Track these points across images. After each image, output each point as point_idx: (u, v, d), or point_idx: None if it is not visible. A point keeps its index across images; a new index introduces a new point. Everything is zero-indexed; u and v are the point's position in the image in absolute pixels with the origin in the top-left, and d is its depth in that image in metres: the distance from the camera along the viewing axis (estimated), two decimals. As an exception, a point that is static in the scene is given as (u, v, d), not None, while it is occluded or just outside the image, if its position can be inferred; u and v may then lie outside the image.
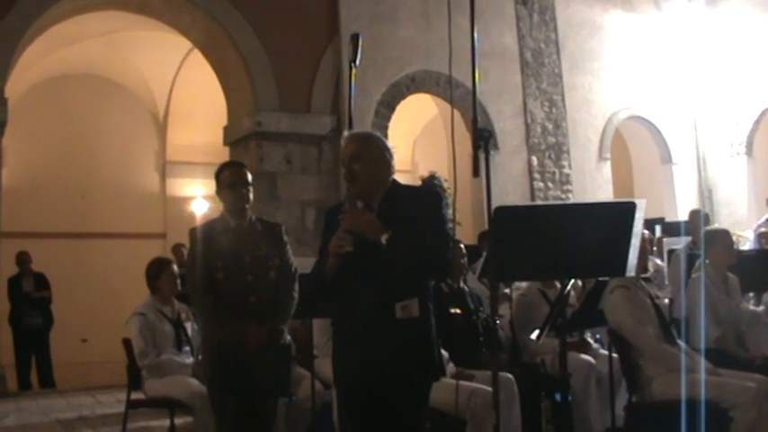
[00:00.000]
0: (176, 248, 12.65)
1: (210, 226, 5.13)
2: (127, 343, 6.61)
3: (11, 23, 11.04)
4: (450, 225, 8.90)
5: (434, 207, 3.85)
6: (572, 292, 6.46)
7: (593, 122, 15.32)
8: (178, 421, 6.62)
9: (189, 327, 6.66)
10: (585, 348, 6.75)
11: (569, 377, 5.52)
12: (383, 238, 3.62)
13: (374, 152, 3.85)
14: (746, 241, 12.54)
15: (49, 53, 14.88)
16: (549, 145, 14.60)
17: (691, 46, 16.43)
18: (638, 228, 3.98)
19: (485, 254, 8.04)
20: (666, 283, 9.80)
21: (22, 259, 12.65)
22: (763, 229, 12.13)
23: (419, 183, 13.49)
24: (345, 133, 4.01)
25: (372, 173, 3.83)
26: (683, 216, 13.91)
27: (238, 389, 4.83)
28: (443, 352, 5.46)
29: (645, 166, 16.81)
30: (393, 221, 3.68)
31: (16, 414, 9.71)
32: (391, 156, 3.91)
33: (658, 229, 12.70)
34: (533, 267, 4.17)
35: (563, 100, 14.93)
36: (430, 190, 4.36)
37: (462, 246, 6.70)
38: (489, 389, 4.98)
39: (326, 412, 6.37)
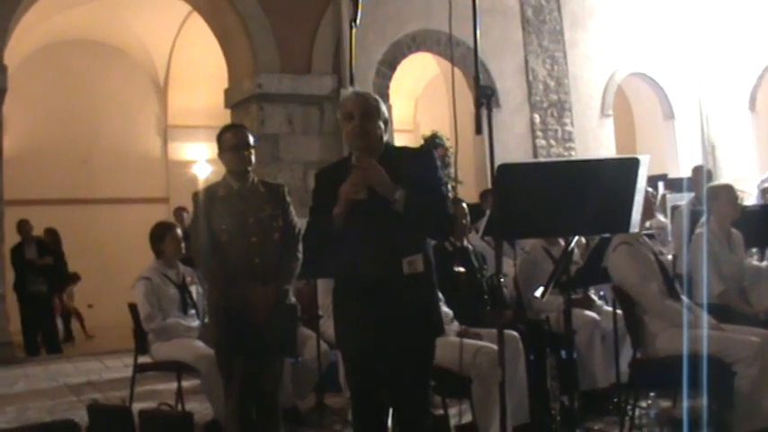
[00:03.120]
0: (177, 212, 12.66)
1: (213, 189, 5.12)
2: (133, 307, 6.63)
3: (8, -12, 10.99)
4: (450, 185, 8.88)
5: (434, 168, 3.89)
6: (576, 250, 6.47)
7: (594, 79, 15.27)
8: (185, 384, 6.66)
9: (194, 290, 6.68)
10: (590, 305, 6.77)
11: (574, 334, 5.53)
12: (397, 195, 3.63)
13: (379, 113, 3.85)
14: (749, 197, 12.53)
15: (48, 19, 14.80)
16: (552, 102, 14.57)
17: (693, 1, 16.30)
18: (642, 184, 3.97)
19: (488, 212, 8.05)
20: (670, 239, 9.81)
21: (24, 228, 12.69)
22: (766, 185, 12.11)
23: (421, 142, 13.56)
24: (349, 90, 4.00)
25: (378, 132, 3.83)
26: (685, 172, 13.91)
27: (245, 350, 4.85)
28: (448, 310, 5.50)
29: (647, 122, 16.77)
30: (394, 181, 3.69)
31: (25, 380, 9.79)
32: (387, 118, 3.92)
33: (661, 185, 12.70)
34: (537, 225, 4.18)
35: (564, 57, 14.88)
36: (426, 150, 4.35)
37: (465, 205, 6.69)
38: (494, 347, 5.00)
39: (332, 372, 6.41)
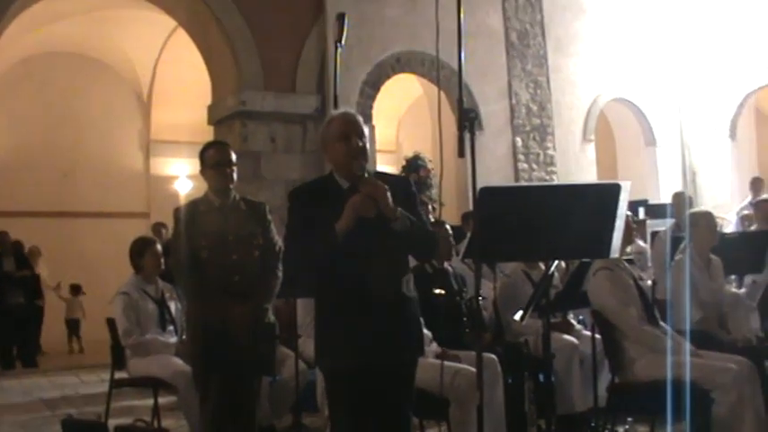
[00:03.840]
0: (156, 228, 12.61)
1: (194, 205, 5.11)
2: (111, 322, 6.60)
3: (-7, 0, 10.96)
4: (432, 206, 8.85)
5: (414, 195, 3.96)
6: (556, 273, 6.48)
7: (577, 104, 15.34)
8: (162, 400, 6.63)
9: (173, 306, 6.65)
10: (569, 329, 6.77)
11: (552, 358, 5.53)
12: (398, 213, 3.66)
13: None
14: (729, 224, 12.60)
15: (33, 31, 14.75)
16: (534, 126, 14.62)
17: (675, 29, 16.43)
18: (623, 210, 3.99)
19: (469, 234, 8.06)
20: (650, 264, 9.84)
21: (2, 240, 12.62)
22: (746, 212, 12.18)
23: (403, 163, 13.57)
24: (342, 110, 4.00)
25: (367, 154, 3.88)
26: (666, 198, 13.98)
27: (223, 368, 4.82)
28: (427, 332, 5.49)
29: (629, 148, 16.84)
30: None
31: (-1, 393, 9.71)
32: None
33: (642, 211, 12.75)
34: (517, 248, 4.19)
35: (548, 81, 14.94)
36: (405, 178, 4.39)
37: (448, 227, 6.71)
38: (473, 369, 5.00)
39: (310, 391, 6.38)
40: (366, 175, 3.73)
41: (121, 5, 14.72)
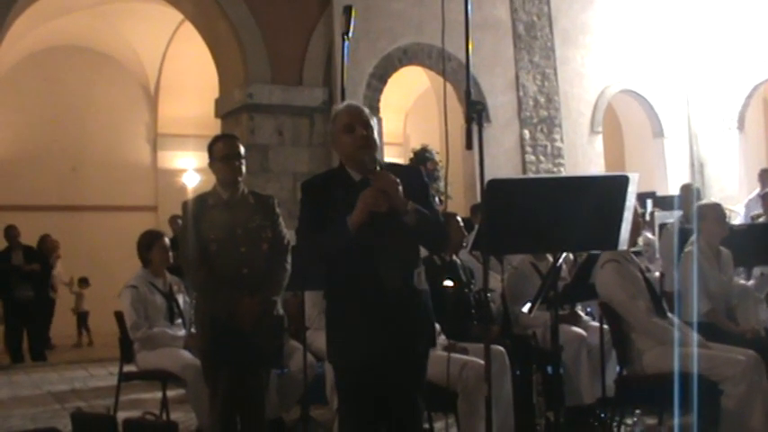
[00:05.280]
0: (173, 220, 12.63)
1: (203, 198, 5.12)
2: (119, 316, 6.61)
3: (0, -6, 10.97)
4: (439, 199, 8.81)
5: (426, 186, 3.96)
6: (564, 266, 6.47)
7: (585, 96, 15.30)
8: (170, 393, 6.64)
9: (181, 299, 6.66)
10: (576, 321, 6.77)
11: (560, 350, 5.54)
12: (409, 207, 3.67)
13: (372, 124, 3.89)
14: (737, 216, 12.57)
15: (40, 25, 14.77)
16: (542, 118, 14.59)
17: (684, 20, 16.38)
18: (631, 201, 3.98)
19: (477, 227, 8.06)
20: (657, 256, 9.83)
21: (11, 233, 12.65)
22: (754, 212, 12.12)
23: (411, 155, 13.56)
24: (346, 102, 4.01)
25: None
26: (674, 190, 13.95)
27: (231, 361, 4.83)
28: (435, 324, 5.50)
29: (636, 139, 16.81)
30: None
31: (9, 387, 9.75)
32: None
33: (649, 203, 12.72)
34: (526, 240, 4.18)
35: (555, 73, 14.91)
36: (416, 168, 4.36)
37: (459, 219, 6.72)
38: (481, 361, 5.00)
39: (318, 384, 6.39)
40: (378, 168, 3.73)
41: (128, -1, 14.76)
